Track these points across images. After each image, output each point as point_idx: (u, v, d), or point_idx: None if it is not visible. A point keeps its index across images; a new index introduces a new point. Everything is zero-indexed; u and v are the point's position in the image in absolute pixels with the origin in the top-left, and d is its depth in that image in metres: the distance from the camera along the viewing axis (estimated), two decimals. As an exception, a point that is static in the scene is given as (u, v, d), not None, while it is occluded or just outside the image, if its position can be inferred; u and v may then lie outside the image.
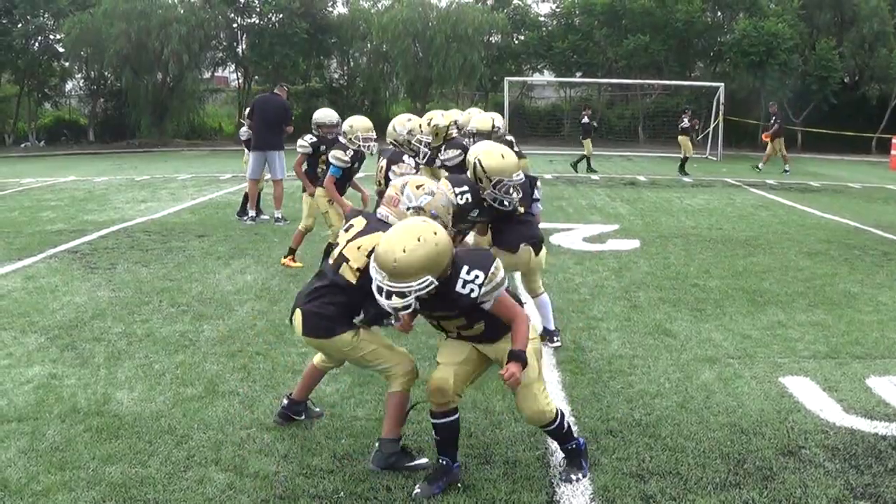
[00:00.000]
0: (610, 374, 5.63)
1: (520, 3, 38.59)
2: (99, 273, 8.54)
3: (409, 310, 3.66)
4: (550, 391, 4.48)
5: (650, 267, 9.25)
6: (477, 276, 3.64)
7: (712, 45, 36.21)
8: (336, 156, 7.70)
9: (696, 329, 6.76)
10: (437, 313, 3.88)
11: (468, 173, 5.49)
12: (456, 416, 3.95)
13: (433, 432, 3.98)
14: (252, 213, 12.32)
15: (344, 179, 7.90)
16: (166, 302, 7.37)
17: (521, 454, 4.33)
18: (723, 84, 28.96)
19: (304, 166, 9.00)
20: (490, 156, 5.42)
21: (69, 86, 38.04)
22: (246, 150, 12.60)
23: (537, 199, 6.22)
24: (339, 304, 4.07)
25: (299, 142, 9.05)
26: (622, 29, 34.45)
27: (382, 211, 4.16)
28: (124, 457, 4.19)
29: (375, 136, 7.87)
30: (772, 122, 23.83)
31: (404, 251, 3.52)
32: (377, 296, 3.63)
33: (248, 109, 12.96)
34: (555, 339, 6.18)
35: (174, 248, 9.94)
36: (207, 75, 38.01)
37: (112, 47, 30.78)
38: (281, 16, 34.54)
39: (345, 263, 4.09)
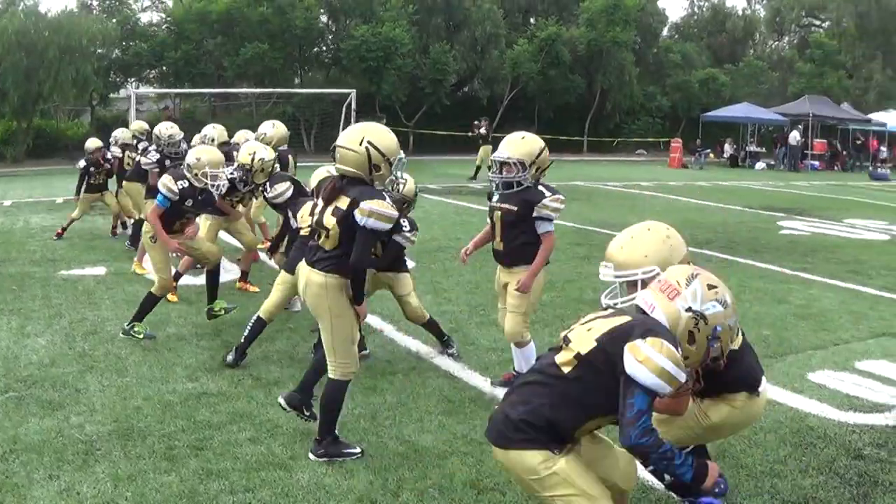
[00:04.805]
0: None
1: (129, 11, 35.65)
2: None
3: None
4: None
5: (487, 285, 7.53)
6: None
7: (329, 51, 36.61)
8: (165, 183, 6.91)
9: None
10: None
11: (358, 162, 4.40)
12: None
13: None
14: None
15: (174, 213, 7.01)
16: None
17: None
18: (354, 91, 29.41)
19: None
20: (379, 133, 4.54)
21: None
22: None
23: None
24: (541, 405, 3.09)
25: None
26: (237, 37, 33.39)
27: (648, 298, 3.23)
28: None
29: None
30: None
31: (632, 237, 3.84)
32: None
33: None
34: None
35: None
36: None
37: None
38: None
39: (564, 348, 3.20)
